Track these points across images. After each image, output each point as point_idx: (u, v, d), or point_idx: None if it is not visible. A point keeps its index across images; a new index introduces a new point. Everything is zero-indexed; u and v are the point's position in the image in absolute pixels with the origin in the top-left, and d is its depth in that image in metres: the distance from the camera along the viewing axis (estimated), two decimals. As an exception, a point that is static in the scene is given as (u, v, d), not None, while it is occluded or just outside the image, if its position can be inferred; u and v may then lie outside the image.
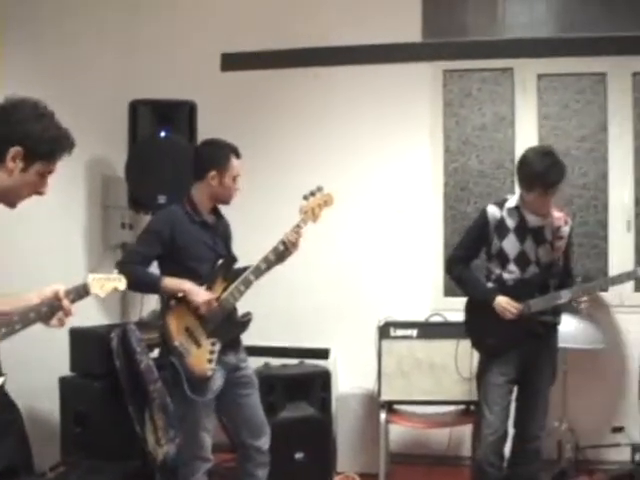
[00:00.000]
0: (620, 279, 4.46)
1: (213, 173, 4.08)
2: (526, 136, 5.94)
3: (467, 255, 4.59)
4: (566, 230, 4.48)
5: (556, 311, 4.49)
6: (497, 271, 4.47)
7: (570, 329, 5.20)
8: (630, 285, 5.27)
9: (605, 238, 5.94)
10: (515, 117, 6.05)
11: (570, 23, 6.05)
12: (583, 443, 5.46)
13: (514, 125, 6.05)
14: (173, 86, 6.01)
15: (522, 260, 4.42)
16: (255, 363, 4.99)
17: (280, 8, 6.28)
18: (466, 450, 5.63)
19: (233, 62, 6.30)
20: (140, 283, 3.93)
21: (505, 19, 6.17)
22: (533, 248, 4.42)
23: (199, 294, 3.96)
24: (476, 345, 4.67)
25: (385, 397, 5.38)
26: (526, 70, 6.04)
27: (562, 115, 6.02)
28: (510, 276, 4.43)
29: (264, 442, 4.25)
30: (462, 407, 5.46)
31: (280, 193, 5.90)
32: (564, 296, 4.35)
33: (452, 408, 5.52)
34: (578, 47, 5.94)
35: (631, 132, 5.91)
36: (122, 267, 3.36)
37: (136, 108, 5.68)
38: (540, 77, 6.05)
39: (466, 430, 5.42)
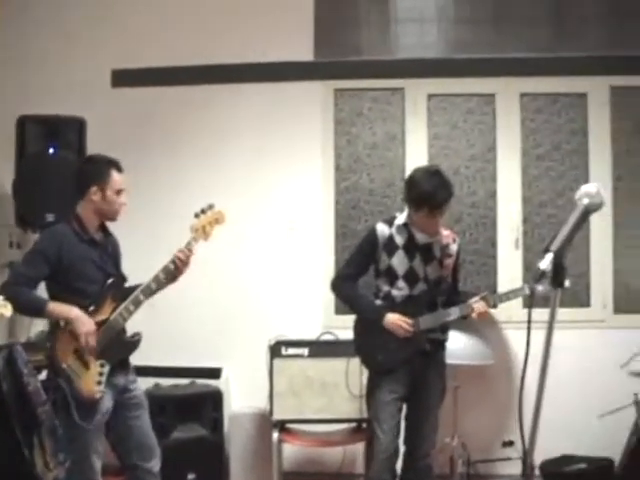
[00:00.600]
0: (508, 296, 4.65)
1: (95, 188, 4.10)
2: (416, 155, 6.18)
3: (355, 273, 4.69)
4: (454, 248, 4.68)
5: (444, 328, 4.66)
6: (386, 288, 4.60)
7: (459, 345, 5.44)
8: (518, 301, 5.45)
9: (494, 255, 6.23)
10: (406, 136, 6.28)
11: (460, 44, 6.34)
12: (475, 458, 5.68)
13: (404, 144, 6.28)
14: (62, 102, 6.00)
15: (411, 277, 4.56)
16: (145, 384, 5.07)
17: (172, 25, 6.35)
18: (360, 467, 5.81)
19: (124, 78, 6.34)
20: (25, 307, 3.95)
21: (397, 40, 6.41)
22: (422, 265, 4.57)
23: (84, 324, 3.96)
24: (365, 363, 4.79)
25: (277, 416, 5.52)
26: (417, 90, 6.28)
27: (452, 135, 6.30)
28: (399, 293, 4.57)
29: (155, 464, 4.29)
30: (354, 425, 5.64)
31: (171, 211, 5.98)
32: (453, 313, 4.54)
33: (344, 426, 5.69)
34: (468, 68, 6.23)
35: (519, 151, 6.23)
36: (6, 290, 3.41)
37: (24, 124, 5.69)
38: (430, 97, 6.30)
39: (359, 447, 5.61)
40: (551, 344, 2.20)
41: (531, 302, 2.22)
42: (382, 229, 4.62)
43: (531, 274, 5.74)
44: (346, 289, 4.72)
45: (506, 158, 6.24)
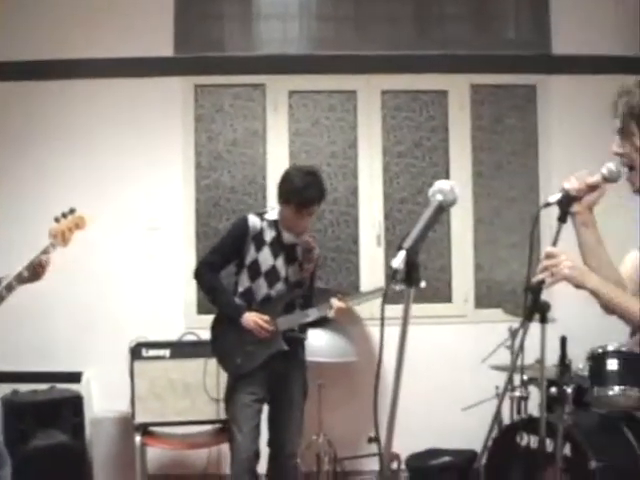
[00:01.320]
0: (367, 298, 4.88)
1: None
2: (277, 152, 6.34)
3: (220, 262, 4.72)
4: (316, 253, 4.80)
5: (302, 327, 4.78)
6: (247, 284, 4.68)
7: (323, 343, 5.60)
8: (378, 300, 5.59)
9: (356, 253, 6.43)
10: (267, 133, 6.41)
11: (322, 41, 6.54)
12: (341, 455, 5.85)
13: (266, 141, 6.40)
14: None
15: (272, 276, 4.66)
16: (3, 390, 5.08)
17: (30, 19, 6.25)
18: (226, 468, 5.76)
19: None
20: None
21: (260, 35, 6.56)
22: (284, 265, 4.68)
23: None
24: (223, 366, 4.85)
25: (139, 419, 5.55)
26: (278, 86, 6.42)
27: (313, 132, 6.47)
28: (259, 291, 4.67)
29: (5, 474, 4.27)
30: (219, 426, 5.72)
31: (27, 215, 5.94)
32: (312, 314, 4.67)
33: (209, 427, 5.78)
34: (329, 65, 6.42)
35: (380, 148, 6.45)
36: None
37: None
38: (292, 94, 6.46)
39: (224, 448, 5.61)
40: (405, 342, 2.30)
41: (383, 301, 2.33)
42: (254, 221, 4.69)
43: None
44: (210, 279, 4.74)
45: (367, 155, 6.46)
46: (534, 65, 6.64)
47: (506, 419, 5.34)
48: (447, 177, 6.47)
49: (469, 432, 5.58)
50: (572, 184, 2.63)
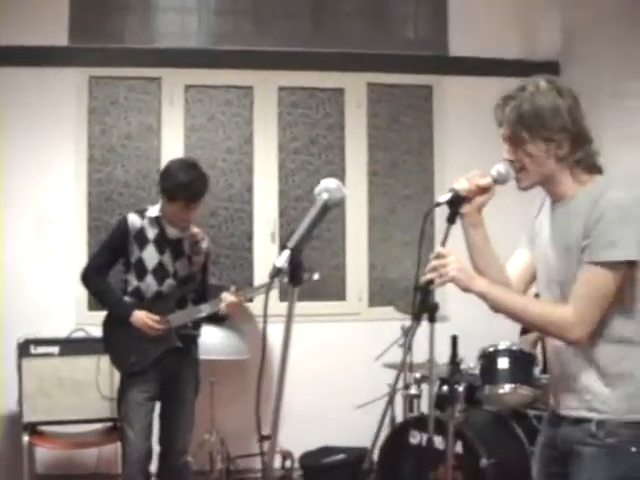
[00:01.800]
0: (259, 291, 4.84)
1: None
2: (172, 147, 6.23)
3: (106, 264, 4.66)
4: (204, 246, 4.77)
5: (196, 323, 4.75)
6: (135, 282, 4.61)
7: (215, 340, 5.55)
8: (275, 295, 5.55)
9: (250, 249, 6.40)
10: (162, 127, 6.31)
11: (220, 36, 6.48)
12: (234, 453, 5.84)
13: (160, 135, 6.30)
14: None
15: (160, 272, 4.61)
16: None
17: None
18: (117, 467, 5.65)
19: None
20: None
21: (158, 28, 6.48)
22: (171, 261, 4.64)
23: None
24: (116, 364, 4.78)
25: (27, 419, 5.40)
26: (174, 80, 6.32)
27: (209, 127, 6.40)
28: (148, 288, 4.61)
29: None
30: (109, 425, 5.62)
31: None
32: (204, 310, 4.62)
33: (99, 426, 5.67)
34: (226, 60, 6.36)
35: (276, 145, 6.43)
36: None
37: None
38: (188, 88, 6.37)
39: (115, 447, 5.51)
40: (290, 340, 2.28)
41: (266, 299, 2.28)
42: (133, 220, 4.62)
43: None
44: (96, 282, 4.68)
45: (263, 151, 6.43)
46: (431, 65, 6.72)
47: (399, 417, 5.37)
48: (343, 175, 6.51)
49: (363, 430, 5.60)
50: (462, 185, 2.66)
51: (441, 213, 2.68)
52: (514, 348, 5.02)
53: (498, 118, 2.65)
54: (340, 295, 6.57)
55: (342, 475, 5.85)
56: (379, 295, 6.63)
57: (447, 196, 2.66)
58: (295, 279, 2.19)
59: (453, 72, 6.70)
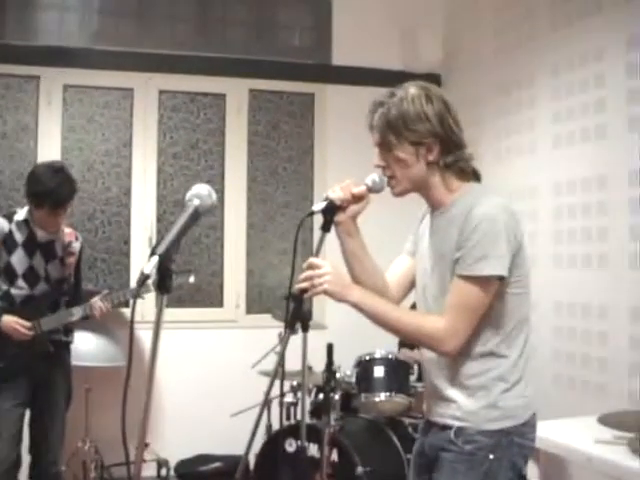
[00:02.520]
0: (118, 296, 4.65)
1: None
2: (49, 147, 6.08)
3: None
4: (77, 246, 4.66)
5: (68, 329, 4.65)
6: (4, 287, 4.46)
7: (90, 347, 5.47)
8: (151, 301, 5.54)
9: (127, 254, 6.28)
10: (39, 127, 6.14)
11: (102, 36, 6.35)
12: (110, 461, 5.67)
13: (37, 135, 6.13)
14: None
15: (31, 276, 4.48)
16: None
17: None
18: None
19: None
20: None
21: (38, 25, 6.28)
22: (42, 264, 4.52)
23: None
24: None
25: None
26: (53, 79, 6.16)
27: (87, 128, 6.26)
28: (19, 292, 4.47)
29: None
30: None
31: None
32: (76, 313, 4.51)
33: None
34: (107, 60, 6.22)
35: (155, 149, 6.35)
36: None
37: None
38: (67, 88, 6.22)
39: None
40: (158, 348, 2.22)
41: (133, 305, 2.23)
42: (1, 224, 4.50)
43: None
44: None
45: (142, 155, 6.34)
46: (314, 74, 6.75)
47: (276, 425, 5.35)
48: (222, 181, 6.51)
49: (239, 438, 5.56)
50: (337, 194, 2.66)
51: (320, 221, 2.68)
52: (390, 357, 5.07)
53: (369, 124, 2.69)
54: (217, 302, 6.53)
55: (218, 483, 5.81)
56: (257, 302, 6.63)
57: (321, 205, 2.67)
58: (163, 286, 2.12)
59: (335, 81, 6.75)
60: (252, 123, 6.65)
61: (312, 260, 2.59)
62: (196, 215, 2.24)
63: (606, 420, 3.83)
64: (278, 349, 5.31)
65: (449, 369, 2.64)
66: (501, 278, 2.52)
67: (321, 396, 4.80)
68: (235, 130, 6.57)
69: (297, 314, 2.56)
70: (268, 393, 2.73)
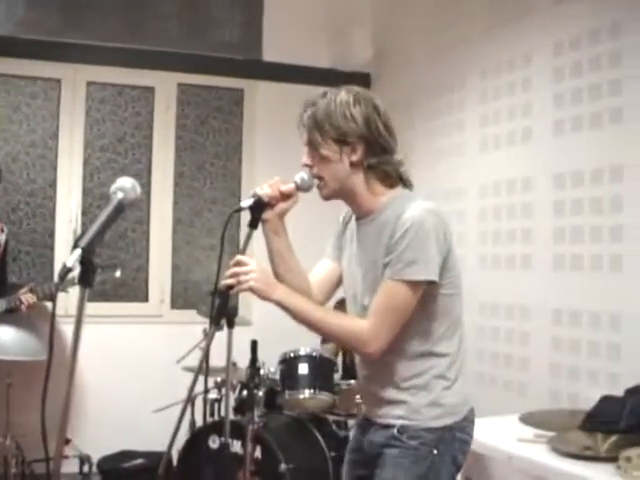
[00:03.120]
0: (44, 289, 4.71)
1: None
2: None
3: None
4: (1, 238, 4.65)
5: None
6: None
7: (10, 340, 5.34)
8: (75, 295, 5.40)
9: (52, 247, 6.19)
10: None
11: (29, 25, 6.22)
12: (32, 457, 5.54)
13: None
14: None
15: None
16: None
17: None
18: None
19: None
20: None
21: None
22: None
23: None
24: None
25: None
26: None
27: (13, 118, 6.14)
28: None
29: None
30: None
31: None
32: (0, 306, 4.53)
33: None
34: (34, 50, 6.11)
35: (82, 141, 6.26)
36: None
37: None
38: None
39: None
40: (79, 342, 2.18)
41: (55, 299, 2.19)
42: None
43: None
44: None
45: (68, 147, 6.24)
46: (243, 69, 6.72)
47: (199, 421, 5.33)
48: (149, 175, 6.46)
49: (163, 434, 5.52)
50: (265, 191, 2.67)
51: (248, 218, 2.68)
52: (314, 354, 5.07)
53: (299, 123, 2.71)
54: (142, 297, 6.48)
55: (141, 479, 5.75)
56: (182, 298, 6.59)
57: (249, 201, 2.67)
58: (85, 280, 2.08)
59: (265, 77, 6.73)
60: (180, 117, 6.60)
61: (239, 257, 2.59)
62: (120, 208, 2.21)
63: (527, 419, 3.90)
64: (203, 345, 5.29)
65: (389, 371, 2.66)
66: (431, 282, 2.54)
67: (245, 393, 4.78)
68: (163, 124, 6.51)
69: (223, 310, 2.56)
70: (192, 389, 2.72)
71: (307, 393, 4.93)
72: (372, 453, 2.73)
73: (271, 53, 6.74)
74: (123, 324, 6.17)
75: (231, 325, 2.59)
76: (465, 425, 2.70)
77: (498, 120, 5.19)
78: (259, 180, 6.45)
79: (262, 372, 4.81)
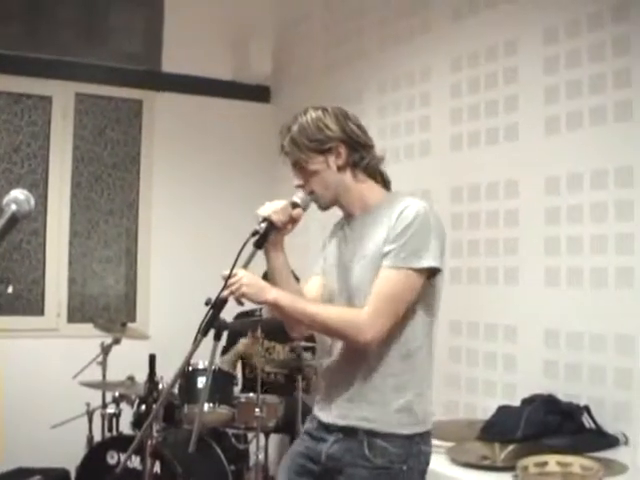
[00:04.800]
0: None
1: None
2: None
3: None
4: None
5: None
6: None
7: None
8: None
9: None
10: None
11: None
12: None
13: None
14: None
15: None
16: None
17: None
18: None
19: None
20: None
21: None
22: None
23: None
24: None
25: None
26: None
27: None
28: None
29: None
30: None
31: None
32: None
33: None
34: None
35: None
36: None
37: None
38: None
39: None
40: None
41: None
42: None
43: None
44: None
45: None
46: (142, 80, 6.63)
47: (98, 436, 5.23)
48: (45, 186, 6.31)
49: (60, 450, 5.42)
50: (278, 217, 2.68)
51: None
52: (213, 367, 5.02)
53: (281, 150, 2.76)
54: (38, 310, 6.31)
55: (38, 497, 5.61)
56: (79, 311, 6.45)
57: (263, 225, 2.68)
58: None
59: (165, 88, 6.65)
60: (78, 127, 6.45)
61: (225, 272, 2.59)
62: (13, 221, 2.14)
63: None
64: (100, 359, 5.20)
65: (364, 366, 2.66)
66: (434, 271, 2.61)
67: (143, 407, 4.70)
68: (60, 134, 6.36)
69: (213, 322, 2.56)
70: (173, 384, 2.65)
71: (206, 407, 4.88)
72: (331, 467, 2.70)
73: (171, 64, 6.66)
74: (18, 338, 6.00)
75: (218, 338, 2.59)
76: (428, 439, 2.71)
77: (396, 134, 5.25)
78: (156, 191, 6.47)
79: (160, 386, 4.73)
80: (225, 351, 5.55)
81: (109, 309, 6.50)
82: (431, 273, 2.61)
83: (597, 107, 3.86)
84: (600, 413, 3.76)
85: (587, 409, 3.80)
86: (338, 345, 2.72)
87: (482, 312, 4.54)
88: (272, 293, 2.62)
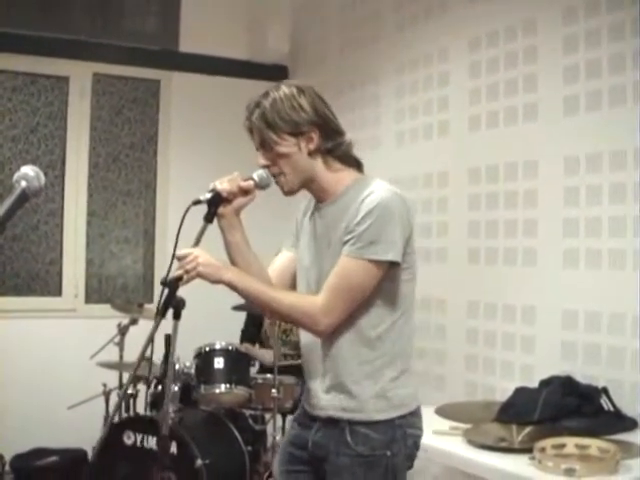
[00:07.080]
0: None
1: None
2: None
3: None
4: None
5: None
6: None
7: None
8: None
9: None
10: None
11: None
12: None
13: None
14: None
15: None
16: None
17: None
18: None
19: None
20: None
21: None
22: None
23: None
24: None
25: None
26: None
27: None
28: None
29: None
30: None
31: None
32: None
33: None
34: None
35: None
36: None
37: None
38: None
39: None
40: None
41: None
42: None
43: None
44: None
45: None
46: (160, 60, 6.63)
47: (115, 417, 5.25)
48: (63, 167, 6.33)
49: (77, 431, 5.46)
50: (224, 186, 2.65)
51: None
52: (230, 348, 5.04)
53: (247, 127, 2.69)
54: (55, 291, 6.33)
55: (55, 477, 5.65)
56: (96, 292, 6.48)
57: (208, 195, 2.64)
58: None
59: (182, 68, 6.64)
60: (95, 108, 6.46)
61: (180, 252, 2.58)
62: (24, 197, 2.14)
63: (443, 411, 3.93)
64: (117, 339, 5.23)
65: (338, 355, 2.64)
66: (393, 264, 2.55)
67: (160, 388, 4.73)
68: (77, 114, 6.36)
69: (170, 301, 2.56)
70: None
71: (223, 387, 4.90)
72: (317, 455, 2.69)
73: (188, 44, 6.64)
74: (35, 319, 6.03)
75: (177, 317, 2.60)
76: (414, 421, 2.69)
77: (414, 115, 5.23)
78: (174, 173, 6.47)
79: (177, 367, 4.75)
80: (250, 335, 5.54)
81: (126, 290, 6.52)
82: (392, 264, 2.56)
83: (616, 87, 3.83)
84: (618, 395, 3.75)
85: (605, 391, 3.78)
86: (309, 336, 2.71)
87: (500, 293, 4.53)
88: (228, 275, 2.60)
